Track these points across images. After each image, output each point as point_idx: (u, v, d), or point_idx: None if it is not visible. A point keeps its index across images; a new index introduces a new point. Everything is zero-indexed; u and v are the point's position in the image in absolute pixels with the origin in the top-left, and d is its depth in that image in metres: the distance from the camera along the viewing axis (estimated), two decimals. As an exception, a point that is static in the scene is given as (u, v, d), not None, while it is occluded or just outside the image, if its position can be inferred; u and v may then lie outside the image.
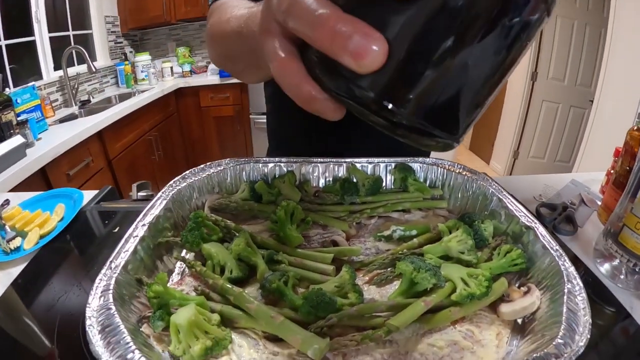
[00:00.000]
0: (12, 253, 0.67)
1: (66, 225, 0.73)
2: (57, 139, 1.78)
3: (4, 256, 0.66)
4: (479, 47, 0.19)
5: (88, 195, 0.86)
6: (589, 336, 0.37)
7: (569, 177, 0.92)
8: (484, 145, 3.77)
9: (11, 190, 1.39)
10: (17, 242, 0.69)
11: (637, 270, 0.54)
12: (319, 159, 0.72)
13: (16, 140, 1.56)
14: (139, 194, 0.81)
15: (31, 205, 0.82)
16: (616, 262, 0.56)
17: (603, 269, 0.58)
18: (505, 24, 0.19)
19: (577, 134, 2.99)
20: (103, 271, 0.44)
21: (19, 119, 1.74)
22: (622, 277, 0.56)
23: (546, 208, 0.78)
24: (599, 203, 0.77)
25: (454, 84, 0.20)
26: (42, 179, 1.63)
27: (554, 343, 0.36)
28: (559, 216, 0.74)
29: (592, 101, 2.52)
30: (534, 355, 0.35)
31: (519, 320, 0.46)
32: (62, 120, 2.15)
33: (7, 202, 0.86)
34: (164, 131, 2.88)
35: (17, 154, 1.54)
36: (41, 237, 0.70)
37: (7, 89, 1.97)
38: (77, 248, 0.69)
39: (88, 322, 0.38)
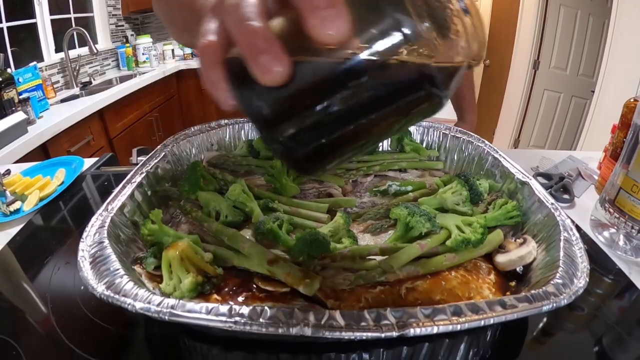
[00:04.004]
0: (11, 215, 0.67)
1: (65, 187, 0.73)
2: (58, 117, 1.77)
3: (3, 217, 0.66)
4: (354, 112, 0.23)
5: (89, 162, 0.86)
6: (587, 279, 0.36)
7: (567, 154, 0.92)
8: (485, 133, 3.72)
9: (12, 164, 1.39)
10: (17, 205, 0.70)
11: (634, 236, 0.54)
12: None
13: (18, 116, 1.55)
14: (139, 158, 0.81)
15: (32, 172, 0.82)
16: (613, 229, 0.56)
17: (601, 237, 0.58)
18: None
19: (578, 124, 2.96)
20: (99, 212, 0.44)
21: (20, 97, 1.74)
22: (620, 243, 0.55)
23: (543, 177, 0.78)
24: (597, 178, 0.76)
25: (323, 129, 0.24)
26: (43, 156, 1.63)
27: (552, 283, 0.36)
28: (555, 184, 0.74)
29: (593, 91, 2.51)
30: (532, 292, 0.35)
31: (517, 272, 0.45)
32: (64, 101, 2.15)
33: (8, 171, 0.86)
34: (164, 113, 2.87)
35: (19, 129, 1.54)
36: (41, 199, 0.70)
37: (8, 69, 1.96)
38: (75, 208, 0.69)
39: (80, 254, 0.38)
